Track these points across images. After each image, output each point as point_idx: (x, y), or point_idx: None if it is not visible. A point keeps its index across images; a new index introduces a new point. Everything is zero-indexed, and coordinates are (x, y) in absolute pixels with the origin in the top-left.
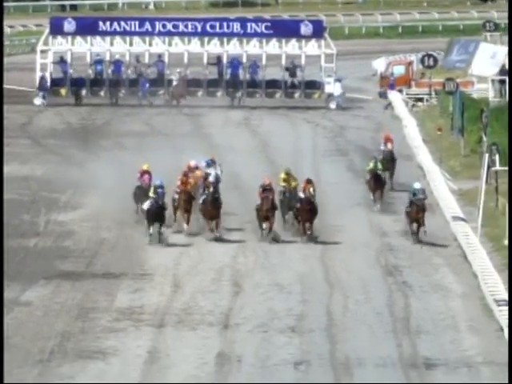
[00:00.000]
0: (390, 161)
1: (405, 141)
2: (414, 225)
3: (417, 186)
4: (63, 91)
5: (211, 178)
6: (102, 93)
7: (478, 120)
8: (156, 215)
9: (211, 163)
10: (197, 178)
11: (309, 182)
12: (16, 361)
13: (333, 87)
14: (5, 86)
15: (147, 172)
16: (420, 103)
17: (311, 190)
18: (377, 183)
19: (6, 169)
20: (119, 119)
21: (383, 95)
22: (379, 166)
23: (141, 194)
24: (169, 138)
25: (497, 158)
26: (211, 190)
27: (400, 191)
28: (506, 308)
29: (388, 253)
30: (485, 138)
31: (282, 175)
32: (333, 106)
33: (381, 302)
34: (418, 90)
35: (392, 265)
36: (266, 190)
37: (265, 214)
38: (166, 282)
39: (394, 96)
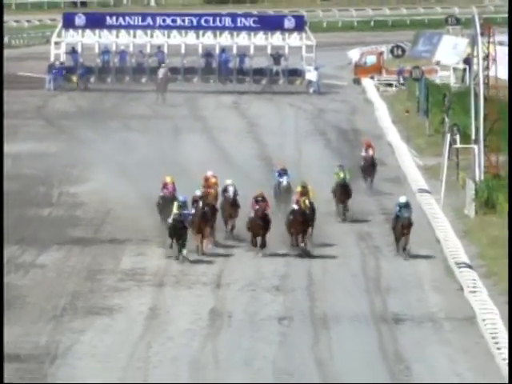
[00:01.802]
0: (370, 166)
1: (376, 122)
2: (401, 240)
3: (402, 200)
4: (74, 78)
5: (230, 193)
6: (109, 79)
7: (441, 103)
8: (177, 233)
9: (283, 173)
10: (212, 186)
11: (303, 193)
12: (32, 317)
13: (312, 75)
14: (23, 73)
15: (171, 184)
16: (390, 88)
17: (306, 202)
18: (343, 195)
19: (24, 146)
20: (125, 103)
21: (357, 82)
22: (347, 175)
23: (164, 203)
24: (169, 120)
25: (457, 137)
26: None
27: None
28: (466, 270)
29: (362, 222)
30: (447, 120)
31: (298, 188)
32: (312, 91)
33: (355, 264)
34: (388, 77)
35: (365, 232)
36: (259, 201)
37: (256, 227)
38: (166, 247)
39: (367, 82)
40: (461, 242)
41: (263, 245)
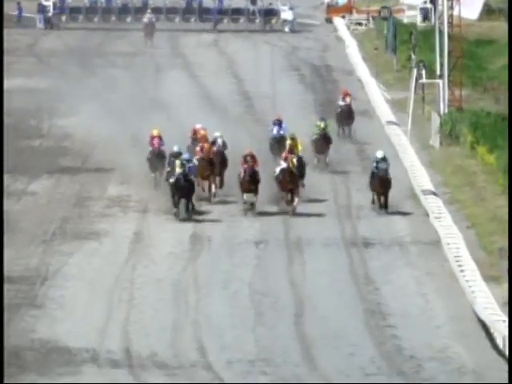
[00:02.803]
0: (348, 114)
1: (346, 58)
2: (381, 197)
3: (379, 154)
4: (63, 17)
5: (219, 143)
6: (96, 19)
7: (408, 41)
8: (183, 191)
9: (277, 123)
10: (203, 137)
11: (292, 148)
12: (24, 241)
13: (287, 14)
14: (15, 13)
15: (158, 137)
16: (359, 27)
17: (294, 160)
18: (323, 146)
19: (15, 82)
20: (111, 41)
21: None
22: (329, 127)
23: (153, 158)
24: (152, 57)
25: (423, 72)
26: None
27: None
28: (431, 197)
29: (332, 152)
30: (413, 56)
31: (288, 141)
32: (287, 29)
33: (327, 192)
34: (358, 17)
35: (336, 161)
36: (248, 160)
37: (246, 186)
38: (149, 177)
39: (338, 21)
40: (426, 171)
41: (253, 205)
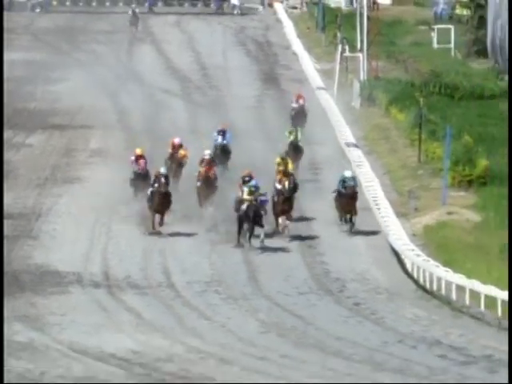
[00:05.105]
0: (301, 114)
1: (284, 36)
2: (347, 215)
3: (347, 174)
4: (55, 2)
5: (206, 156)
6: (81, 3)
7: (334, 22)
8: (253, 220)
9: (221, 133)
10: (181, 157)
11: (285, 172)
12: (22, 185)
13: (235, 0)
14: None
15: (141, 156)
16: (295, 10)
17: (286, 184)
18: (295, 154)
19: (15, 55)
20: (93, 22)
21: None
22: (299, 137)
23: (137, 180)
24: (127, 35)
25: (347, 47)
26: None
27: None
28: (353, 149)
29: None
30: (339, 34)
31: (278, 159)
32: (236, 12)
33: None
34: (294, 2)
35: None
36: (246, 181)
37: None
38: (125, 132)
39: (278, 6)
40: (349, 128)
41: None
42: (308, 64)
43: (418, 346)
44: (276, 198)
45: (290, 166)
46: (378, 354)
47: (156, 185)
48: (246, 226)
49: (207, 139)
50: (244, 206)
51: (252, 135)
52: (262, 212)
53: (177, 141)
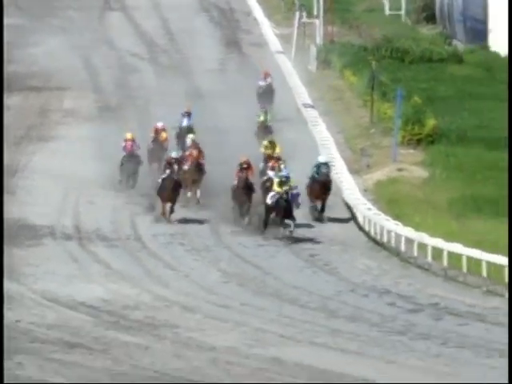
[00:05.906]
0: (269, 92)
1: (246, 3)
2: (318, 202)
3: (321, 159)
4: None
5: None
6: None
7: None
8: (285, 212)
9: (186, 115)
10: (163, 140)
11: (274, 157)
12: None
13: None
14: None
15: (131, 140)
16: None
17: (281, 166)
18: (265, 136)
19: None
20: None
21: None
22: (268, 118)
23: (125, 162)
24: (100, 10)
25: (304, 14)
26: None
27: None
28: (310, 109)
29: None
30: (297, 1)
31: (265, 143)
32: None
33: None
34: None
35: None
36: (243, 168)
37: (239, 195)
38: (96, 93)
39: None
40: (306, 89)
41: (247, 211)
42: (268, 29)
43: (370, 295)
44: (268, 184)
45: (278, 150)
46: (332, 302)
47: (168, 171)
48: (273, 216)
49: (173, 99)
50: (274, 198)
51: (216, 96)
52: (294, 206)
53: (160, 125)
